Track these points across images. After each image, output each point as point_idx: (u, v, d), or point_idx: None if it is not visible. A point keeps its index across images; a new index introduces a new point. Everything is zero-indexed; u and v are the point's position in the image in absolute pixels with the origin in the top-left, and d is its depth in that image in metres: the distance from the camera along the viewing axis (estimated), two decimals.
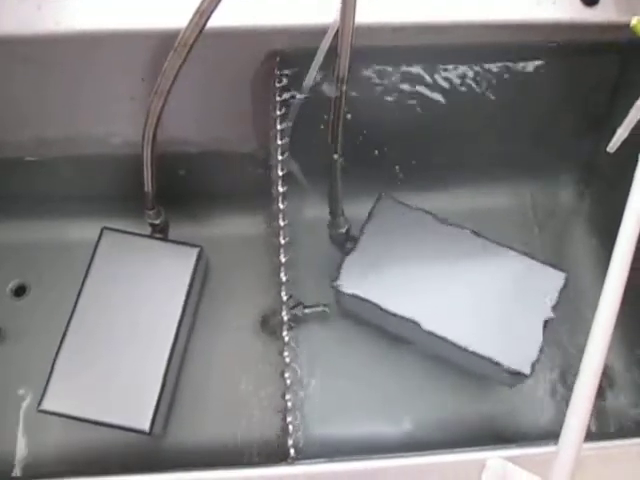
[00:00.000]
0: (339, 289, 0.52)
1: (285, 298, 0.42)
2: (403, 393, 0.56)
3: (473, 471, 0.37)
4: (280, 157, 0.45)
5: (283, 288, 0.42)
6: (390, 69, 0.50)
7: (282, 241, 0.42)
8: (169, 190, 0.54)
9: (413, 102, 0.53)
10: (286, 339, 0.41)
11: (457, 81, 0.52)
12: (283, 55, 0.48)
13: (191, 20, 0.39)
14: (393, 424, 0.55)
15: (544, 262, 0.53)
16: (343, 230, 0.53)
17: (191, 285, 0.55)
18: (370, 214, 0.55)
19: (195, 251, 0.56)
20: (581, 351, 0.33)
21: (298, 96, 0.48)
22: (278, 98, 0.47)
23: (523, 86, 0.53)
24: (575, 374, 0.55)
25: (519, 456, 0.39)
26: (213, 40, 0.46)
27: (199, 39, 0.40)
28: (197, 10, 0.38)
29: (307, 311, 0.55)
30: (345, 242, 0.54)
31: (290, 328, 0.43)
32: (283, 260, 0.42)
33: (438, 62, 0.51)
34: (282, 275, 0.42)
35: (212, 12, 0.38)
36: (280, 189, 0.44)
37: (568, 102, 0.55)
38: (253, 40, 0.48)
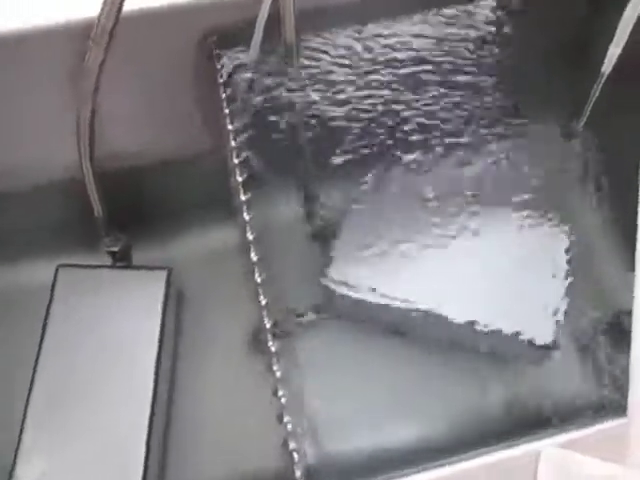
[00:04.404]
0: (329, 287, 0.47)
1: (264, 302, 0.36)
2: (419, 393, 0.50)
3: (524, 467, 0.31)
4: (233, 143, 0.39)
5: (260, 291, 0.36)
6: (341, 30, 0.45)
7: (250, 237, 0.36)
8: (127, 211, 0.49)
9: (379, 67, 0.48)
10: (273, 349, 0.35)
11: (425, 32, 0.47)
12: (220, 32, 0.43)
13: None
14: (415, 428, 0.49)
15: (546, 217, 0.49)
16: (323, 223, 0.48)
17: (164, 312, 0.49)
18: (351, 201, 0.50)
19: (163, 274, 0.51)
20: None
21: (244, 75, 0.42)
22: (221, 80, 0.41)
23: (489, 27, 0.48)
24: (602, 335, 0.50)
25: (570, 441, 0.32)
26: (138, 25, 0.40)
27: (120, 23, 0.35)
28: None
29: (297, 319, 0.49)
30: (328, 236, 0.49)
31: (277, 337, 0.36)
32: (255, 259, 0.36)
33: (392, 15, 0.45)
34: (257, 276, 0.36)
35: None
36: (239, 178, 0.38)
37: (544, 35, 0.50)
38: (183, 19, 0.42)
